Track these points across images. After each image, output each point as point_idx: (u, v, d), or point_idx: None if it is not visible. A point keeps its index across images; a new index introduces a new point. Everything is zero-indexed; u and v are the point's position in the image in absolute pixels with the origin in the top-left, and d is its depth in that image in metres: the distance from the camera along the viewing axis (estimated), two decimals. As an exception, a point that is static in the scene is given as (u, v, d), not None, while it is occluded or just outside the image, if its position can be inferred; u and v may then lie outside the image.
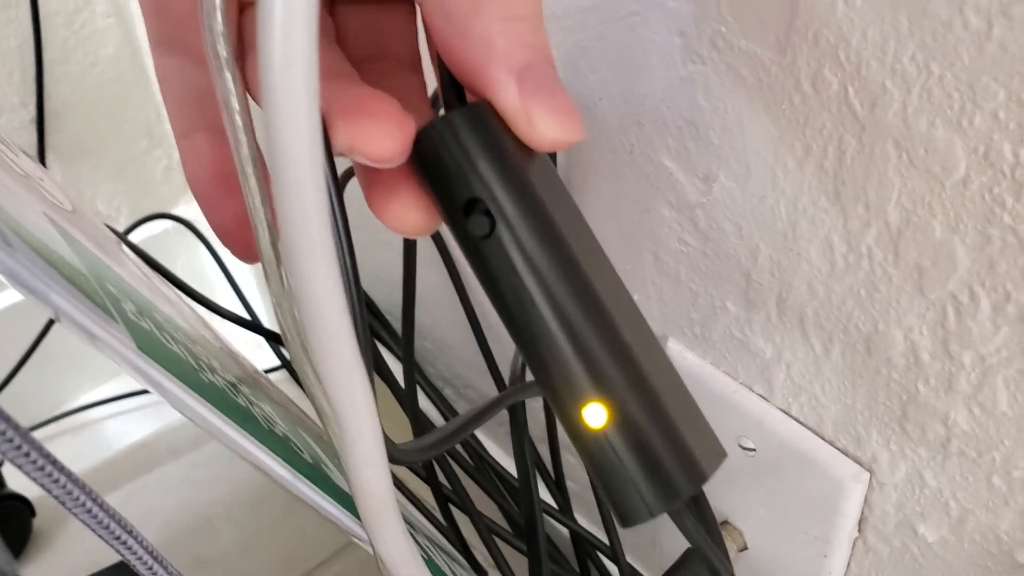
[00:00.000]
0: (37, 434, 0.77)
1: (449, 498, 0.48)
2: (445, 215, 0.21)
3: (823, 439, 0.34)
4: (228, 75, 0.20)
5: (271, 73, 0.14)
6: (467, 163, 0.21)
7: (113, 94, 0.78)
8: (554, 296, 0.20)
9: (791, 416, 0.35)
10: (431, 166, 0.21)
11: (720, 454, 0.22)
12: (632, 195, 0.36)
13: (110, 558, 0.65)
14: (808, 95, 0.27)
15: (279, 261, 0.22)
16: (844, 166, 0.27)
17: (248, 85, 0.25)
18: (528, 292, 0.21)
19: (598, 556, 0.47)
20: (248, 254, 0.23)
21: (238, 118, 0.21)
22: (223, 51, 0.20)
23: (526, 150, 0.21)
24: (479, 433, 0.56)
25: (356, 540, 0.29)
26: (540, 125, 0.20)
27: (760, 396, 0.35)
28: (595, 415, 0.20)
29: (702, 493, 0.23)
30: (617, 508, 0.21)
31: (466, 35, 0.20)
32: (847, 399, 0.32)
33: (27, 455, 0.18)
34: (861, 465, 0.33)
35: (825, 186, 0.28)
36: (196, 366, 0.24)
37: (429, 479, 0.48)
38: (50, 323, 0.75)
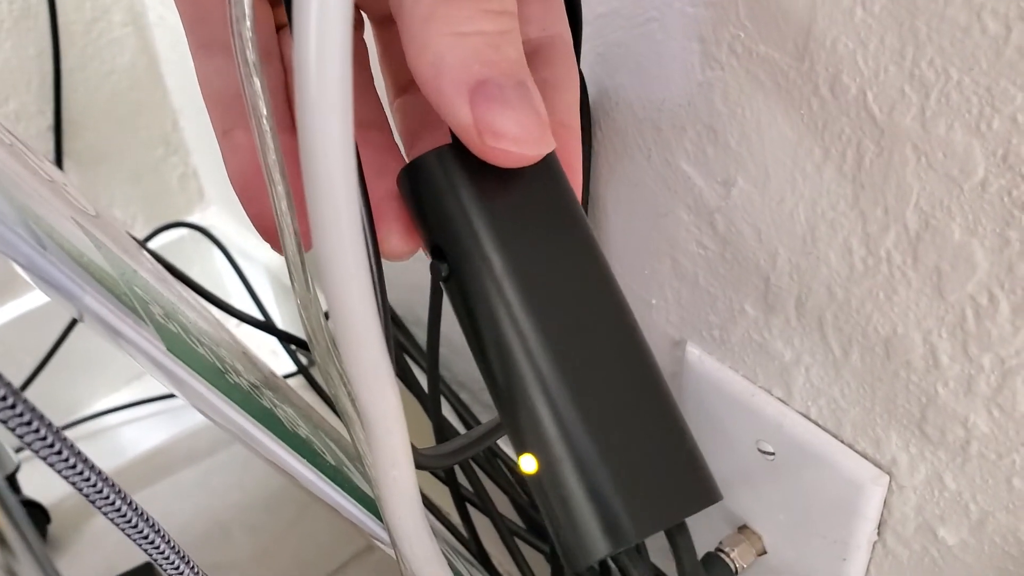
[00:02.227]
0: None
1: (468, 499, 0.48)
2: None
3: (842, 442, 0.34)
4: (257, 80, 0.21)
5: (307, 106, 0.15)
6: (424, 210, 0.21)
7: (130, 102, 0.79)
8: (487, 349, 0.20)
9: (810, 419, 0.35)
10: (411, 212, 0.22)
11: (699, 498, 0.20)
12: (650, 199, 0.36)
13: (126, 564, 0.65)
14: (827, 100, 0.27)
15: (304, 264, 0.22)
16: (863, 170, 0.28)
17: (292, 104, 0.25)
18: (471, 340, 0.21)
19: (620, 555, 0.47)
20: None
21: (266, 123, 0.21)
22: (251, 56, 0.21)
23: (499, 175, 0.20)
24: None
25: (377, 543, 0.29)
26: (492, 142, 0.19)
27: (779, 399, 0.36)
28: (527, 463, 0.20)
29: (682, 535, 0.22)
30: (560, 549, 0.21)
31: (421, 51, 0.19)
32: (866, 402, 0.32)
33: (59, 453, 0.18)
34: (880, 468, 0.33)
35: (844, 190, 0.28)
36: (222, 368, 0.24)
37: (448, 480, 0.48)
38: (66, 330, 0.75)
